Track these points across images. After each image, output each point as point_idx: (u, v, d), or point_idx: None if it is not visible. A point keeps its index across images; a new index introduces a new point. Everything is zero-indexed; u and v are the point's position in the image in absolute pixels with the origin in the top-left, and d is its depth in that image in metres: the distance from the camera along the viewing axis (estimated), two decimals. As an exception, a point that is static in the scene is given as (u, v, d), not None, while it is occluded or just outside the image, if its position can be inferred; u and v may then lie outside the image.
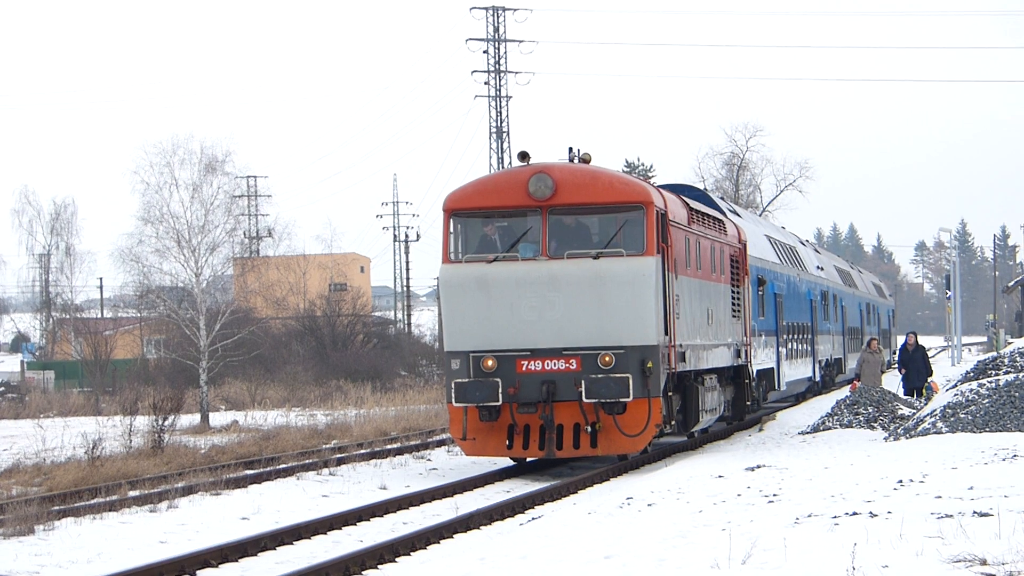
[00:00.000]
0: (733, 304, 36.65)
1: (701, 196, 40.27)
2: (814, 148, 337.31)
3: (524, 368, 28.22)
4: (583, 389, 27.79)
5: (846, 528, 16.18)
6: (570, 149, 30.08)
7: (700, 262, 32.86)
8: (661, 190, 30.87)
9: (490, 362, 28.26)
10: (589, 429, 28.19)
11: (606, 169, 29.77)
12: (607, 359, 27.94)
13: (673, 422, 30.30)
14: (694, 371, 31.91)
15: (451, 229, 29.07)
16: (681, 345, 30.26)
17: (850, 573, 13.15)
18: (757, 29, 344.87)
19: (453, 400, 28.43)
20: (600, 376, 27.82)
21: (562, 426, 28.30)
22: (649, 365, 28.02)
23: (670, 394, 29.61)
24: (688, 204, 32.65)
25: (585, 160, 29.78)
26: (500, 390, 28.03)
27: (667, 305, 29.12)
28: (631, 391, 27.75)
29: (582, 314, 28.17)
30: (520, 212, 28.73)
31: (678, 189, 37.13)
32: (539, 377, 28.15)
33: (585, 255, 28.37)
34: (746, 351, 38.18)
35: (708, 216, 34.72)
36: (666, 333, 29.02)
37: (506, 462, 31.32)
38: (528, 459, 30.51)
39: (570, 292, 28.20)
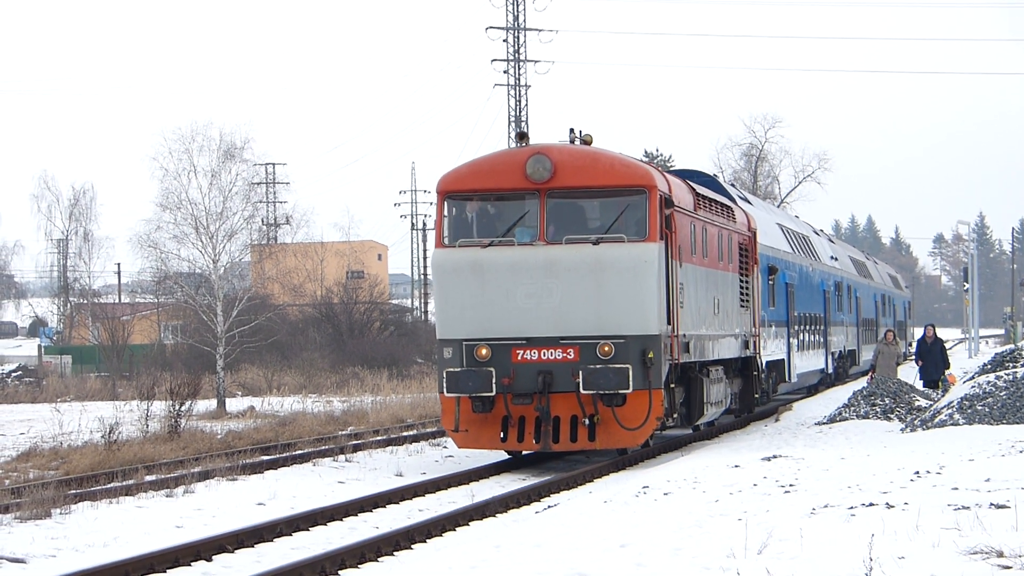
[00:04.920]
0: (741, 293, 35.75)
1: (710, 182, 39.30)
2: (833, 140, 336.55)
3: (519, 357, 27.16)
4: (581, 380, 26.76)
5: (863, 519, 16.14)
6: (571, 130, 28.85)
7: (707, 249, 31.86)
8: (666, 174, 29.73)
9: (484, 351, 27.20)
10: (587, 422, 27.17)
11: (608, 151, 28.62)
12: (606, 349, 26.93)
13: (676, 415, 29.19)
14: (699, 362, 30.93)
15: (445, 212, 28.03)
16: (685, 335, 29.28)
17: (867, 564, 13.11)
18: (777, 20, 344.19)
19: (445, 390, 27.39)
20: (599, 367, 26.81)
21: (559, 418, 27.28)
22: (650, 356, 27.00)
23: (672, 386, 28.54)
24: (694, 189, 31.71)
25: (586, 141, 28.61)
26: (494, 380, 27.00)
27: (670, 293, 28.15)
28: (631, 382, 26.74)
29: (581, 302, 27.12)
30: (517, 195, 27.67)
31: (686, 175, 36.21)
32: (535, 367, 27.10)
33: (584, 240, 27.31)
34: (755, 342, 37.28)
35: (715, 202, 33.76)
36: (669, 322, 28.05)
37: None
38: (524, 452, 29.44)
39: (568, 279, 27.15)
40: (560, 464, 30.09)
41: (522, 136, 28.49)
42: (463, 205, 28.08)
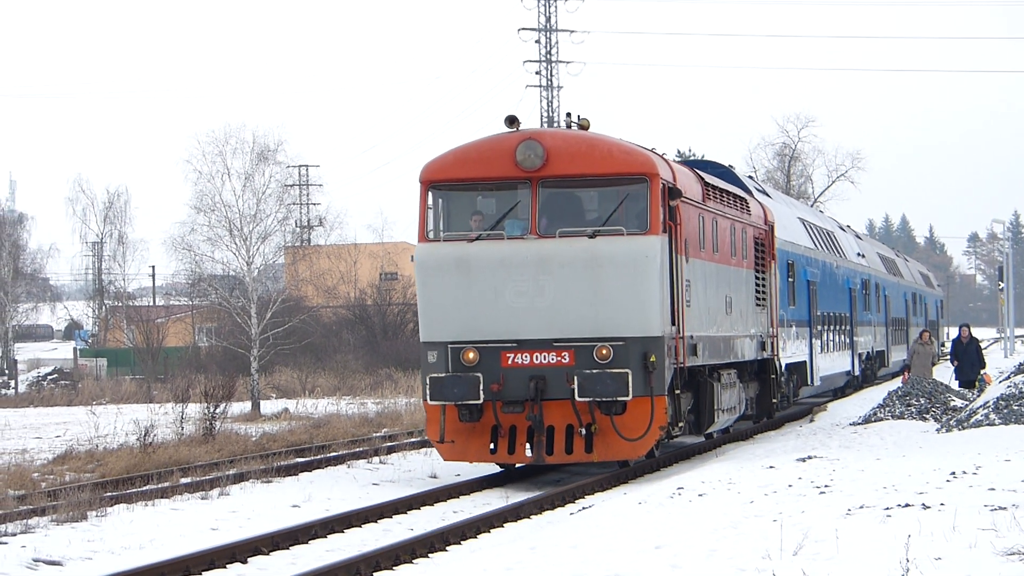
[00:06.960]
0: (757, 291, 33.57)
1: (725, 173, 36.93)
2: (866, 139, 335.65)
3: (510, 362, 25.12)
4: (576, 386, 24.67)
5: (898, 520, 16.09)
6: (568, 115, 27.07)
7: (717, 244, 29.75)
8: (671, 162, 27.75)
9: (471, 355, 25.15)
10: (583, 432, 25.08)
11: (605, 136, 26.48)
12: (604, 352, 24.83)
13: (682, 423, 27.19)
14: (708, 366, 28.89)
15: (428, 203, 25.94)
16: (692, 337, 27.19)
17: (903, 565, 13.07)
18: (809, 20, 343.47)
19: (428, 398, 25.34)
20: (596, 371, 24.72)
21: (553, 428, 25.14)
22: (652, 359, 24.91)
23: (678, 392, 26.44)
24: (703, 179, 29.54)
25: (583, 126, 26.52)
26: (482, 386, 24.95)
27: (675, 291, 26.13)
28: (631, 389, 24.63)
29: (576, 301, 25.04)
30: (507, 184, 25.57)
31: (698, 165, 34.83)
32: (526, 372, 25.03)
33: (580, 234, 25.21)
34: (772, 343, 35.13)
35: (728, 193, 31.52)
36: (673, 323, 26.00)
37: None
38: (516, 465, 27.26)
39: (562, 276, 25.08)
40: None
41: (512, 120, 25.96)
42: (448, 195, 26.09)
